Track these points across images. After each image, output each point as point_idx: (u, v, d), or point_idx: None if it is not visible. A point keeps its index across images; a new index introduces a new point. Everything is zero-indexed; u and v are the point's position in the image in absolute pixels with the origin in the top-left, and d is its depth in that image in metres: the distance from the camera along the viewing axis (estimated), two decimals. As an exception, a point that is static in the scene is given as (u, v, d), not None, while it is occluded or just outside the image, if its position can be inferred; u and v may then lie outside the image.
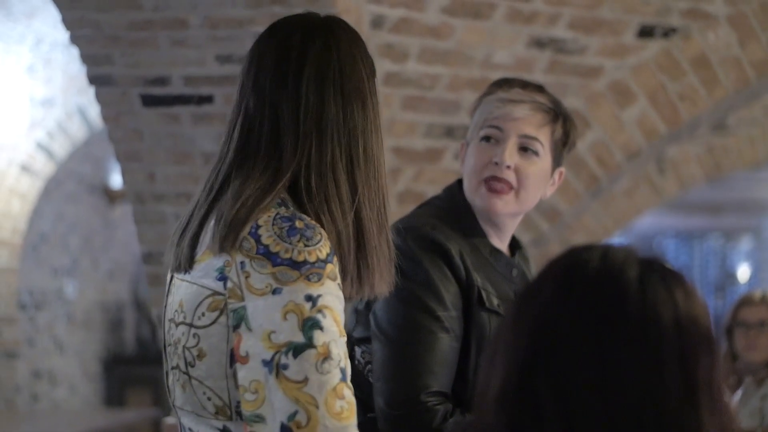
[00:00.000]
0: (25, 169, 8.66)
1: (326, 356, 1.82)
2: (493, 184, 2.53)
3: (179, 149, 4.62)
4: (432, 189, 4.70)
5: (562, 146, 2.59)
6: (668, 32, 4.90)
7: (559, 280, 1.32)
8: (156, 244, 4.77)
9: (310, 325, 1.82)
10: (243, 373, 1.88)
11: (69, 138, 8.65)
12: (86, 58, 4.46)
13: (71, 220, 10.13)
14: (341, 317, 1.87)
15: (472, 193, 2.55)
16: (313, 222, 1.91)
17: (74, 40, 4.41)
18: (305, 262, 1.85)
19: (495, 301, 2.48)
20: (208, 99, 4.47)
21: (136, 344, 10.81)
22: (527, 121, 2.52)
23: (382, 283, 2.05)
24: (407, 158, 4.83)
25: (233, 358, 1.90)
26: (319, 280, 1.85)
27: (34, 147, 8.61)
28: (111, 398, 10.45)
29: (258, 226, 1.89)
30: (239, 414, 1.93)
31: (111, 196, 10.46)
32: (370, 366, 2.46)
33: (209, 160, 4.58)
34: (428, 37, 4.68)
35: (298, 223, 1.88)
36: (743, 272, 16.06)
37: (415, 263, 2.43)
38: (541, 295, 1.32)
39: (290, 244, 1.86)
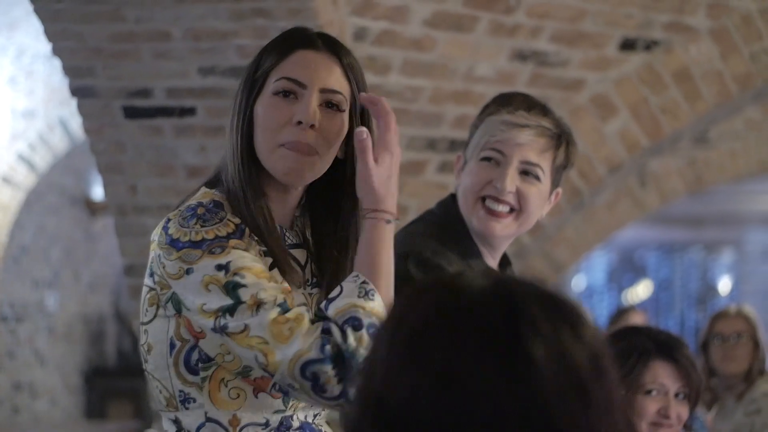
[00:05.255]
0: (6, 180, 8.63)
1: (258, 304, 1.93)
2: (491, 205, 2.50)
3: (161, 161, 4.61)
4: (414, 202, 4.70)
5: (563, 169, 2.56)
6: (650, 45, 4.91)
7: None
8: (138, 256, 4.74)
9: (232, 287, 1.94)
10: (208, 346, 2.01)
11: (50, 150, 8.62)
12: (68, 70, 4.45)
13: (52, 233, 10.09)
14: (261, 267, 1.98)
15: (469, 211, 2.53)
16: (222, 211, 2.02)
17: (56, 51, 4.39)
18: (204, 240, 1.97)
19: None
20: (190, 111, 4.47)
21: (117, 357, 10.76)
22: (530, 147, 2.48)
23: None
24: (390, 171, 4.82)
25: (172, 346, 2.03)
26: (224, 250, 1.96)
27: (15, 159, 8.58)
28: (92, 411, 10.39)
29: (169, 220, 2.04)
30: (185, 405, 2.04)
31: (92, 209, 10.42)
32: None
33: (192, 173, 4.58)
34: (411, 50, 4.68)
35: (199, 210, 2.01)
36: (724, 285, 16.08)
37: None
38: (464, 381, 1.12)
39: (188, 227, 1.99)
